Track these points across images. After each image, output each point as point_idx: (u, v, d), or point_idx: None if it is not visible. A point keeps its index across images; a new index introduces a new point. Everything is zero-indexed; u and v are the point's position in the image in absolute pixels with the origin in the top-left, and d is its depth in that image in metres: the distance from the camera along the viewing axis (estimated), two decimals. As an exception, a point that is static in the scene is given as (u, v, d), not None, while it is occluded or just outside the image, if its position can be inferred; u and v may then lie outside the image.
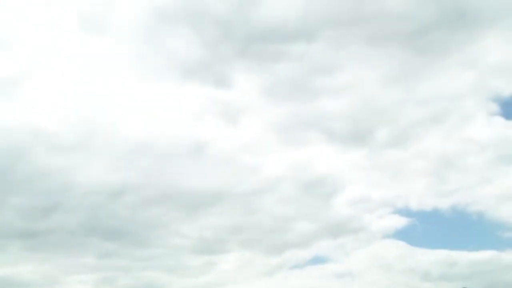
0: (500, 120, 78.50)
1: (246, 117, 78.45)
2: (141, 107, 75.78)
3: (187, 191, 73.78)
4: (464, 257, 75.93)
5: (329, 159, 79.35)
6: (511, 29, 78.09)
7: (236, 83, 77.73)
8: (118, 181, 71.74)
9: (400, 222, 77.87)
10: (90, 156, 71.46)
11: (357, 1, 77.07)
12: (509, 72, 78.37)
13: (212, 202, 74.57)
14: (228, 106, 77.46)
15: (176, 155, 75.18)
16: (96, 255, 71.78)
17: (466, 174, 78.08)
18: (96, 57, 75.16)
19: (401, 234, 78.58)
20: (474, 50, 78.80)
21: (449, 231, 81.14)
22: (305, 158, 78.62)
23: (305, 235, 76.26)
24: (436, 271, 75.94)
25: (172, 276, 72.82)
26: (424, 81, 79.81)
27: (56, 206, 69.75)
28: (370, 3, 77.22)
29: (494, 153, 77.37)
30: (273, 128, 78.25)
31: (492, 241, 77.67)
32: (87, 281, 70.84)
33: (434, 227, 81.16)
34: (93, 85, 74.41)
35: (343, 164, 79.30)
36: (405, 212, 78.38)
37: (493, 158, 77.62)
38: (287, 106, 78.42)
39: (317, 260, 77.74)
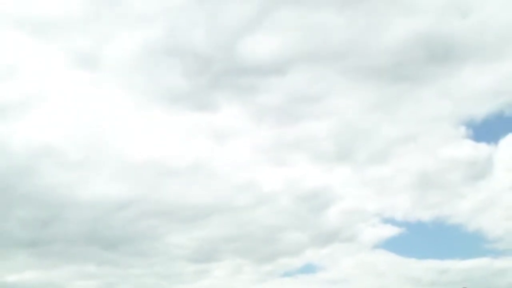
0: (470, 142, 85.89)
1: (234, 140, 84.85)
2: (137, 130, 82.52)
3: (183, 205, 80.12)
4: (453, 265, 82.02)
5: (316, 176, 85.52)
6: (483, 62, 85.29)
7: (222, 110, 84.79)
8: (119, 195, 78.25)
9: (388, 233, 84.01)
10: (93, 173, 78.20)
11: (334, 37, 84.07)
12: (479, 101, 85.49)
13: (207, 215, 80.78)
14: (216, 129, 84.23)
15: (172, 172, 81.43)
16: (98, 263, 77.97)
17: (443, 190, 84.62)
18: (92, 89, 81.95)
19: (390, 245, 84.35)
20: (450, 81, 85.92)
21: (434, 241, 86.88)
22: (293, 175, 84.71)
23: (296, 245, 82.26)
24: (428, 278, 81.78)
25: (168, 282, 78.71)
26: (402, 107, 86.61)
27: (61, 218, 76.59)
28: (349, 40, 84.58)
29: (466, 172, 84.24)
30: (261, 149, 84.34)
31: (472, 251, 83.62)
32: (89, 286, 77.27)
33: (420, 238, 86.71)
34: (93, 111, 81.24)
35: (330, 181, 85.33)
36: (391, 224, 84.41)
37: (465, 176, 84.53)
38: (272, 130, 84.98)
39: (308, 268, 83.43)
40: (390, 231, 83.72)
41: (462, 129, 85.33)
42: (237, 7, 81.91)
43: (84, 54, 79.80)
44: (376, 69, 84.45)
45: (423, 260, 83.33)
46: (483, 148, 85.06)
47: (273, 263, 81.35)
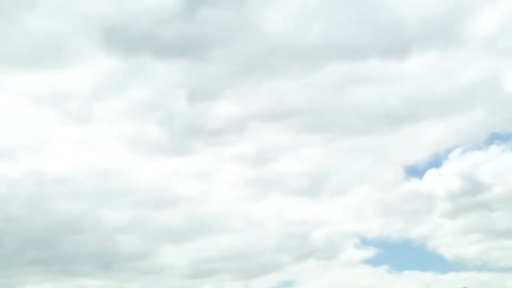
0: (414, 180, 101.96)
1: (212, 179, 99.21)
2: (129, 171, 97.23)
3: (175, 230, 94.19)
4: (433, 279, 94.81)
5: (294, 208, 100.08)
6: (424, 122, 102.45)
7: (198, 157, 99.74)
8: (120, 220, 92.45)
9: (365, 252, 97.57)
10: (98, 201, 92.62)
11: (295, 100, 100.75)
12: (421, 149, 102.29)
13: (196, 239, 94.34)
14: (194, 171, 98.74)
15: (165, 203, 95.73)
16: (102, 278, 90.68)
17: (402, 217, 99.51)
18: (88, 139, 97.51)
19: (369, 262, 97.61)
20: (399, 134, 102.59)
21: (408, 259, 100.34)
22: (273, 206, 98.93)
23: (278, 263, 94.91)
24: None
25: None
26: (360, 153, 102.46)
27: (71, 240, 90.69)
28: (309, 102, 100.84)
29: (411, 204, 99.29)
30: (240, 186, 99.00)
31: (435, 266, 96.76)
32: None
33: (395, 256, 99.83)
34: (88, 156, 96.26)
35: (306, 211, 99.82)
36: (367, 244, 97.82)
37: (411, 208, 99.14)
38: (244, 172, 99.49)
39: (290, 282, 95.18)
40: (367, 250, 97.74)
41: (408, 170, 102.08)
42: (209, 76, 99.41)
43: (79, 112, 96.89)
44: (336, 125, 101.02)
45: (402, 274, 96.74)
46: (423, 184, 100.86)
47: (257, 278, 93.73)
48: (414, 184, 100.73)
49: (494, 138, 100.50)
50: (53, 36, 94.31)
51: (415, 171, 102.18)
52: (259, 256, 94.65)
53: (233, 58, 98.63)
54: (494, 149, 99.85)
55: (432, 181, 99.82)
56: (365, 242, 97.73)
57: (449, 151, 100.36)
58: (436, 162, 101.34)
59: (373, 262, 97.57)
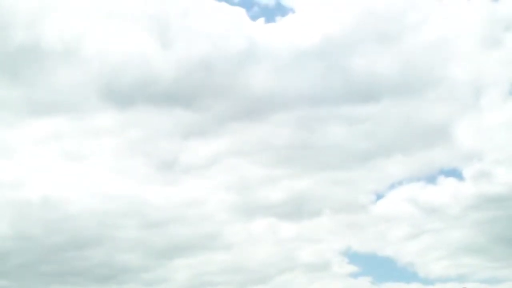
0: (382, 205, 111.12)
1: (207, 205, 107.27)
2: (129, 198, 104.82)
3: (172, 248, 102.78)
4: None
5: (278, 228, 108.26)
6: (391, 159, 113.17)
7: (184, 186, 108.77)
8: (122, 238, 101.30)
9: (346, 267, 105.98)
10: (101, 222, 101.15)
11: (274, 137, 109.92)
12: (388, 179, 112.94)
13: (192, 255, 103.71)
14: (183, 197, 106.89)
15: (164, 225, 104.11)
16: None
17: (373, 235, 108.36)
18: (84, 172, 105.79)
19: (350, 275, 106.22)
20: (364, 171, 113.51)
21: (386, 272, 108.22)
22: (261, 228, 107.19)
23: (268, 275, 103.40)
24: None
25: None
26: (338, 183, 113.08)
27: (77, 255, 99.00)
28: (288, 138, 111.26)
29: (381, 226, 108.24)
30: (229, 211, 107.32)
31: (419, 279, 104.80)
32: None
33: (377, 269, 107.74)
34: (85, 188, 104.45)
35: (290, 232, 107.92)
36: (347, 259, 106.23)
37: (382, 228, 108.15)
38: (234, 198, 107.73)
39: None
40: (349, 264, 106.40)
41: (377, 197, 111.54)
42: (197, 120, 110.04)
43: (81, 150, 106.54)
44: (312, 160, 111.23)
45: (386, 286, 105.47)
46: (391, 208, 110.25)
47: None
48: (383, 208, 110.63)
49: (446, 172, 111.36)
50: (57, 90, 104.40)
51: (383, 197, 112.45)
52: (250, 270, 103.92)
53: (219, 105, 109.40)
54: (445, 180, 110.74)
55: (397, 205, 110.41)
56: (347, 257, 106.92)
57: (410, 181, 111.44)
58: (399, 190, 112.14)
59: (355, 275, 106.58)
